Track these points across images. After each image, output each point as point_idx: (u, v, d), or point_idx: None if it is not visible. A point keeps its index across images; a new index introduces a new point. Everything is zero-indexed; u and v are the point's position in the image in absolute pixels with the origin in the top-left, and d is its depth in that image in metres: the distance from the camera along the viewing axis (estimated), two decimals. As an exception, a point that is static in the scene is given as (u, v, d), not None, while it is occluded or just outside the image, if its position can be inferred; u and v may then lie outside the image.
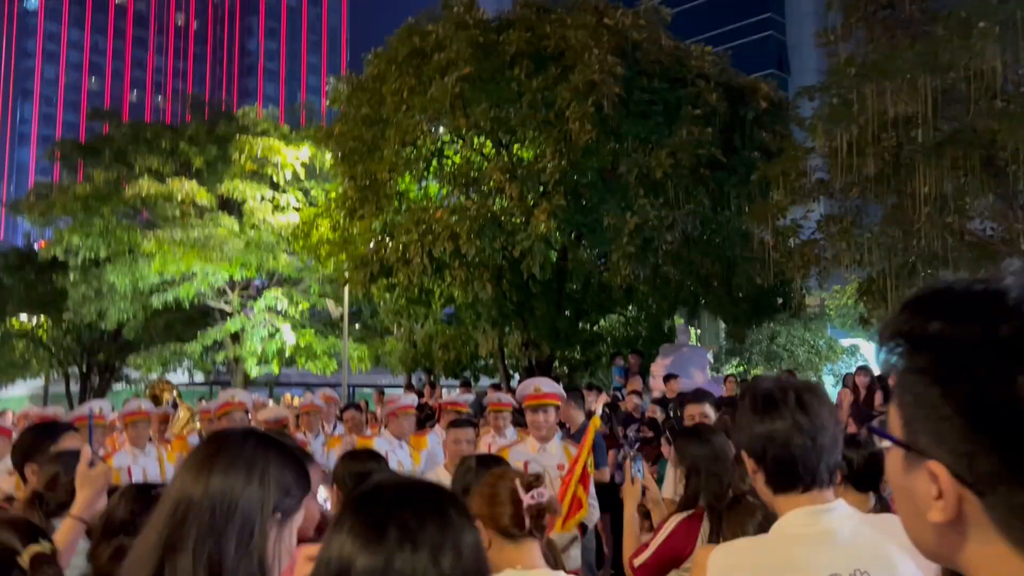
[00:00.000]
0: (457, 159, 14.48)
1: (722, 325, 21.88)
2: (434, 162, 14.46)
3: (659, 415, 10.08)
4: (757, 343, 27.93)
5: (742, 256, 13.63)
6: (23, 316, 29.00)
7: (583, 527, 4.92)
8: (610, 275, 13.23)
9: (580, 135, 12.33)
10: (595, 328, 16.99)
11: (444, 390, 19.69)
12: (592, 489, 4.88)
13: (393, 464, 6.87)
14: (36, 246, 29.39)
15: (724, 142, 13.31)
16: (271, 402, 14.12)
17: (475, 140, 14.38)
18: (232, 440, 1.50)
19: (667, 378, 12.09)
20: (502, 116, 13.48)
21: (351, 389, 25.71)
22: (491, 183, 13.30)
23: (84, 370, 31.08)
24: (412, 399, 7.60)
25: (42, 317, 28.73)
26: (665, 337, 16.42)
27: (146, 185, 21.40)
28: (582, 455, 4.79)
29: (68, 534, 2.69)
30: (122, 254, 22.48)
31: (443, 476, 4.84)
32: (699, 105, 13.07)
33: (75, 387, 31.65)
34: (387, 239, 14.40)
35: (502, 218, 13.24)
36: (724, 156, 13.02)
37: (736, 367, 28.57)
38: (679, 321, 18.11)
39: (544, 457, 5.01)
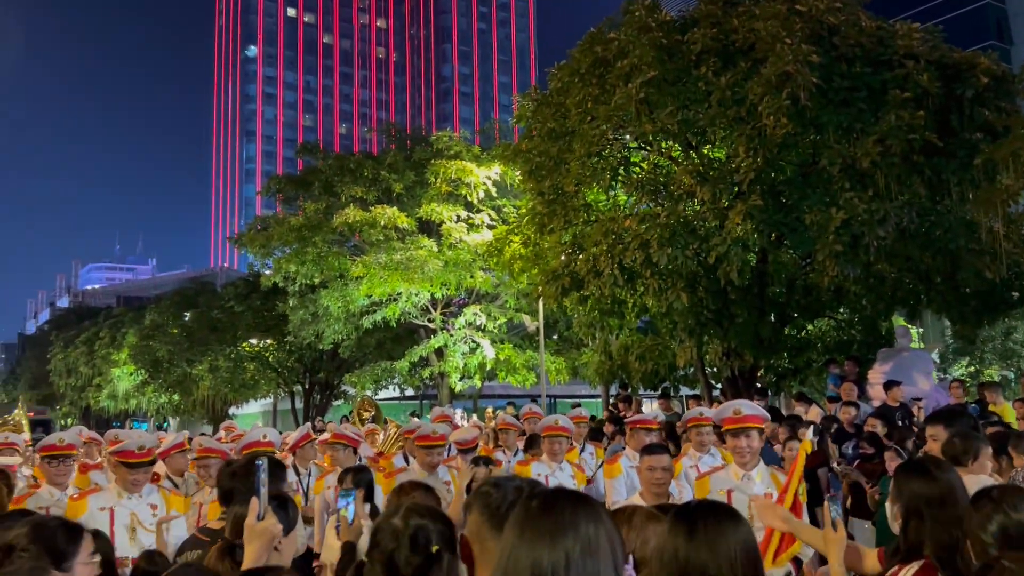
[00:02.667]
0: (644, 166, 14.11)
1: (947, 323, 19.99)
2: (621, 171, 14.16)
3: (880, 429, 9.22)
4: (990, 340, 25.35)
5: (967, 248, 12.28)
6: (252, 340, 31.56)
7: (797, 562, 4.48)
8: (816, 276, 12.35)
9: (775, 130, 11.60)
10: (803, 334, 15.97)
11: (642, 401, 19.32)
12: (805, 518, 4.43)
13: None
14: (260, 275, 31.97)
15: (939, 125, 12.06)
16: (465, 417, 14.34)
17: (662, 144, 13.96)
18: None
19: (888, 385, 11.09)
20: (689, 117, 12.97)
21: (550, 401, 25.86)
22: (681, 187, 12.83)
23: (307, 388, 33.40)
24: (559, 419, 7.29)
25: (268, 340, 31.13)
26: (882, 340, 15.16)
27: (352, 213, 22.65)
28: (792, 483, 4.37)
29: None
30: (334, 279, 23.94)
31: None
32: (908, 87, 11.92)
33: (299, 404, 34.07)
34: (577, 251, 14.26)
35: (694, 223, 12.72)
36: (940, 140, 11.78)
37: (965, 367, 26.05)
38: (898, 322, 16.66)
39: (748, 485, 4.62)
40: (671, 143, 13.81)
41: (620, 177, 14.03)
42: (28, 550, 2.56)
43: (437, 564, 1.86)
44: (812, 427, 8.12)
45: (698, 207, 12.79)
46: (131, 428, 33.43)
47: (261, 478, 2.43)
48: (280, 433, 8.19)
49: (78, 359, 43.98)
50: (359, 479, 5.09)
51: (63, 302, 79.95)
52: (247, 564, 2.49)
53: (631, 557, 2.16)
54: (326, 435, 9.83)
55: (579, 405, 13.63)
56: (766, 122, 11.74)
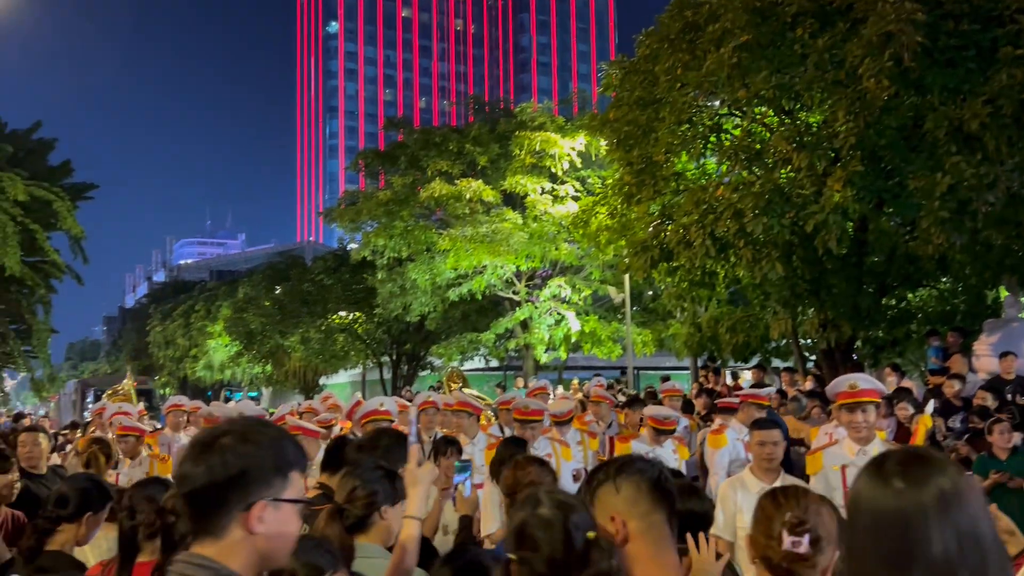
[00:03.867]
0: (737, 132, 13.77)
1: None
2: (712, 138, 13.86)
3: (990, 402, 8.87)
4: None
5: (1084, 213, 11.65)
6: (342, 312, 32.29)
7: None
8: (919, 244, 11.86)
9: (877, 93, 11.13)
10: (903, 304, 15.45)
11: (728, 373, 19.02)
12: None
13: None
14: (349, 249, 32.63)
15: (1055, 83, 11.41)
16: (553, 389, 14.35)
17: (756, 110, 13.58)
18: None
19: (1003, 354, 10.62)
20: (785, 82, 12.56)
21: (636, 372, 25.73)
22: (776, 154, 12.47)
23: (395, 359, 34.04)
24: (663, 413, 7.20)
25: (357, 313, 31.79)
26: (988, 311, 14.55)
27: (438, 187, 22.83)
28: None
29: (411, 534, 2.77)
30: (421, 252, 24.24)
31: (749, 481, 4.49)
32: (1021, 44, 11.30)
33: (387, 375, 34.77)
34: (666, 222, 14.06)
35: (790, 191, 12.37)
36: (1057, 99, 11.15)
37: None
38: (1005, 293, 15.96)
39: (864, 461, 4.50)
40: (765, 108, 13.43)
41: (711, 145, 13.74)
42: (181, 514, 2.68)
43: (596, 548, 1.85)
44: (931, 402, 7.82)
45: (794, 174, 12.42)
46: (225, 398, 34.69)
47: (414, 430, 2.52)
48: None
49: (175, 331, 45.78)
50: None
51: (159, 276, 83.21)
52: (411, 510, 2.58)
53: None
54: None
55: (668, 378, 13.53)
56: (867, 85, 11.28)
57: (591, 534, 1.82)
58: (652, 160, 13.97)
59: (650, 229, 14.09)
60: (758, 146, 13.06)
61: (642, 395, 13.87)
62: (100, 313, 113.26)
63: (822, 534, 2.16)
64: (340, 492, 3.07)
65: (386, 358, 34.43)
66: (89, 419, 11.50)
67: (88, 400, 30.56)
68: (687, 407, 11.78)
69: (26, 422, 15.27)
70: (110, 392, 14.55)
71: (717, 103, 13.81)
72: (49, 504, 3.32)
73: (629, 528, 1.89)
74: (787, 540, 2.11)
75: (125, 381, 15.86)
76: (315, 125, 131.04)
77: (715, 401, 7.50)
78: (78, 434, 11.29)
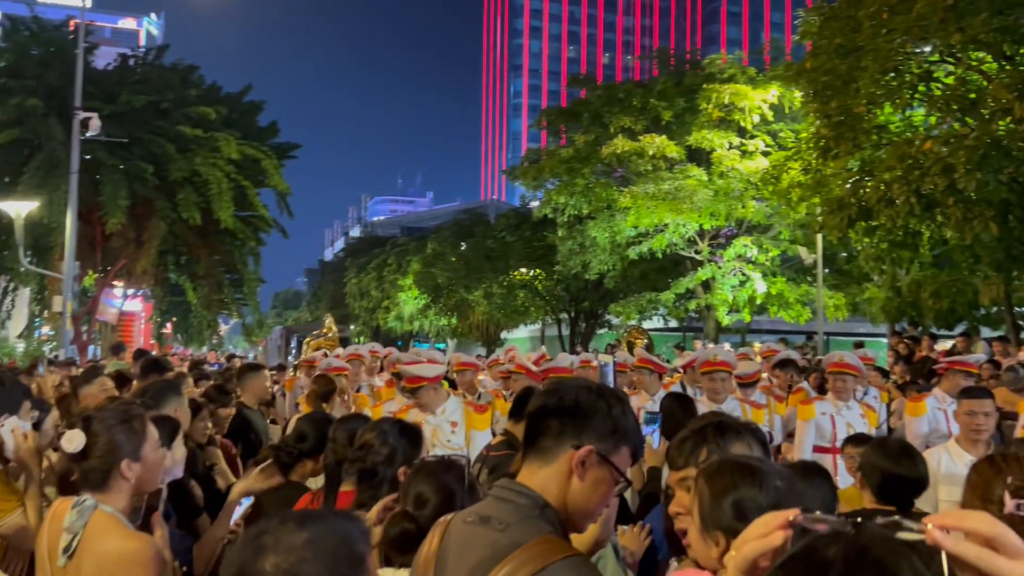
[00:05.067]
0: (949, 81, 12.69)
1: None
2: (920, 87, 12.84)
3: None
4: None
5: None
6: (523, 269, 32.89)
7: None
8: None
9: (1119, 32, 9.93)
10: None
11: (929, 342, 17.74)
12: None
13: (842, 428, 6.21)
14: (530, 206, 33.07)
15: None
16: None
17: (972, 56, 12.45)
18: None
19: None
20: (1008, 24, 11.42)
21: (826, 338, 24.55)
22: (994, 104, 11.40)
23: (573, 316, 34.36)
24: (844, 356, 6.80)
25: (537, 269, 32.26)
26: None
27: (620, 143, 22.57)
28: None
29: None
30: (601, 210, 24.15)
31: (955, 452, 4.21)
32: None
33: (565, 331, 35.18)
34: (866, 178, 13.23)
35: (1008, 144, 11.29)
36: None
37: None
38: None
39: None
40: (983, 54, 12.29)
41: (919, 95, 12.75)
42: (380, 450, 2.88)
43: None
44: None
45: (1014, 126, 11.33)
46: (413, 347, 36.30)
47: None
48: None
49: (369, 283, 48.34)
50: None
51: (355, 232, 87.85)
52: None
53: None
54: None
55: (862, 345, 12.84)
56: (1108, 23, 10.07)
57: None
58: (852, 112, 13.15)
59: (848, 186, 13.34)
60: (973, 95, 12.01)
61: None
62: (302, 265, 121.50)
63: None
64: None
65: (564, 315, 34.80)
66: (296, 363, 12.47)
67: (292, 345, 33.00)
68: (882, 376, 11.14)
69: (236, 363, 16.73)
70: (315, 334, 15.62)
71: (927, 49, 12.76)
72: (291, 441, 3.64)
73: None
74: (1010, 504, 1.98)
75: (328, 322, 16.98)
76: (500, 85, 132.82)
77: (932, 366, 7.03)
78: (287, 375, 12.25)
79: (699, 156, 22.78)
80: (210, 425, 4.88)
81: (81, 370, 8.84)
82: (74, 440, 2.46)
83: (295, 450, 3.54)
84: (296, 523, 1.34)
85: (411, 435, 3.04)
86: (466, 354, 9.66)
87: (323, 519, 1.39)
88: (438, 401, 5.48)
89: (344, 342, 18.87)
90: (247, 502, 3.11)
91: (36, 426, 2.78)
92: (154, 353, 14.83)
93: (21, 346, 26.15)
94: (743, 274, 22.66)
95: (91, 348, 25.51)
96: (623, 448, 1.81)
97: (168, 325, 31.20)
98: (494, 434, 5.55)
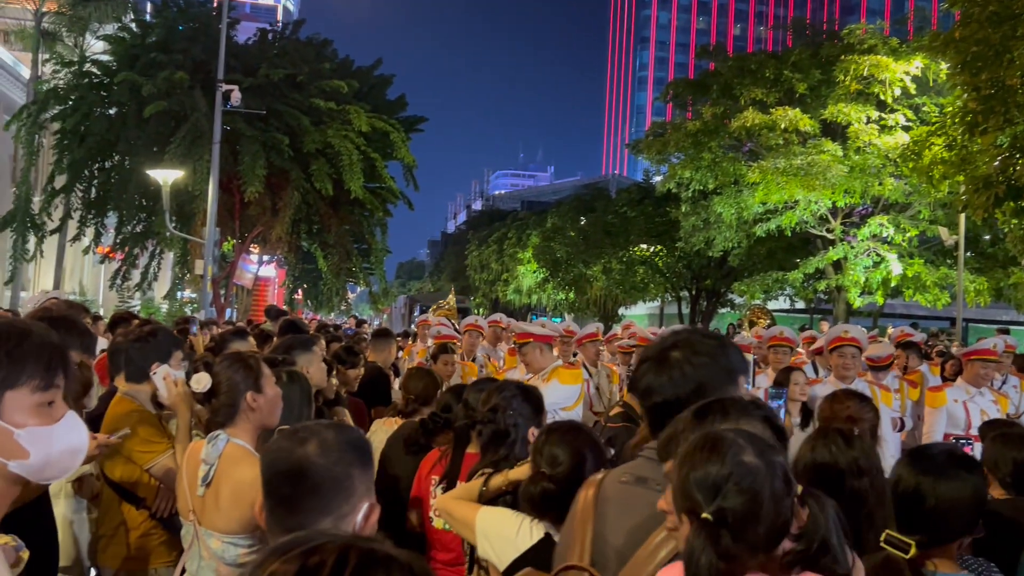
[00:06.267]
0: (1119, 50, 11.70)
1: None
2: (1085, 57, 11.89)
3: None
4: None
5: None
6: (643, 244, 32.54)
7: None
8: None
9: None
10: None
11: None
12: None
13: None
14: (653, 181, 32.59)
15: None
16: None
17: None
18: None
19: None
20: None
21: (965, 325, 23.24)
22: None
23: (693, 294, 33.79)
24: (997, 343, 6.43)
25: (658, 246, 31.85)
26: None
27: (750, 116, 21.87)
28: None
29: None
30: (727, 185, 23.55)
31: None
32: None
33: (685, 309, 34.66)
34: (1017, 155, 12.40)
35: None
36: None
37: None
38: None
39: None
40: None
41: (1083, 65, 11.81)
42: (510, 412, 2.96)
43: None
44: None
45: None
46: (531, 320, 36.62)
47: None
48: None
49: (489, 256, 48.99)
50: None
51: (477, 205, 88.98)
52: None
53: None
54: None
55: (1007, 331, 12.11)
56: None
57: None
58: (1004, 85, 12.32)
59: (996, 163, 12.53)
60: None
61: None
62: (425, 237, 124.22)
63: None
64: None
65: (685, 292, 34.27)
66: (415, 329, 12.81)
67: (416, 314, 33.91)
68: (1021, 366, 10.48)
69: (365, 328, 17.30)
70: (435, 307, 16.00)
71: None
72: (439, 408, 3.84)
73: None
74: None
75: (450, 297, 17.36)
76: (625, 58, 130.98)
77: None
78: (408, 341, 12.59)
79: (834, 130, 21.84)
80: (335, 382, 5.10)
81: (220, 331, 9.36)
82: (202, 381, 2.74)
83: (442, 420, 3.70)
84: (325, 425, 1.84)
85: (533, 398, 3.11)
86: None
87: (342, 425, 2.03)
88: (543, 363, 5.65)
89: (463, 312, 19.24)
90: None
91: (188, 376, 2.99)
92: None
93: (165, 307, 27.88)
94: (877, 255, 21.69)
95: (228, 311, 26.92)
96: (739, 378, 1.95)
97: (299, 291, 32.50)
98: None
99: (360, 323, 20.58)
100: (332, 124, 23.65)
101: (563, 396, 5.40)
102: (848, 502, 2.04)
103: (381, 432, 4.42)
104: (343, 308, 33.12)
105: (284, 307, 23.56)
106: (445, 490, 3.31)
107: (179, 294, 28.79)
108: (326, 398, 4.76)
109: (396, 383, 7.96)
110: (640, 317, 41.27)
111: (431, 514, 3.38)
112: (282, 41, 26.96)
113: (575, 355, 7.71)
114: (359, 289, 38.21)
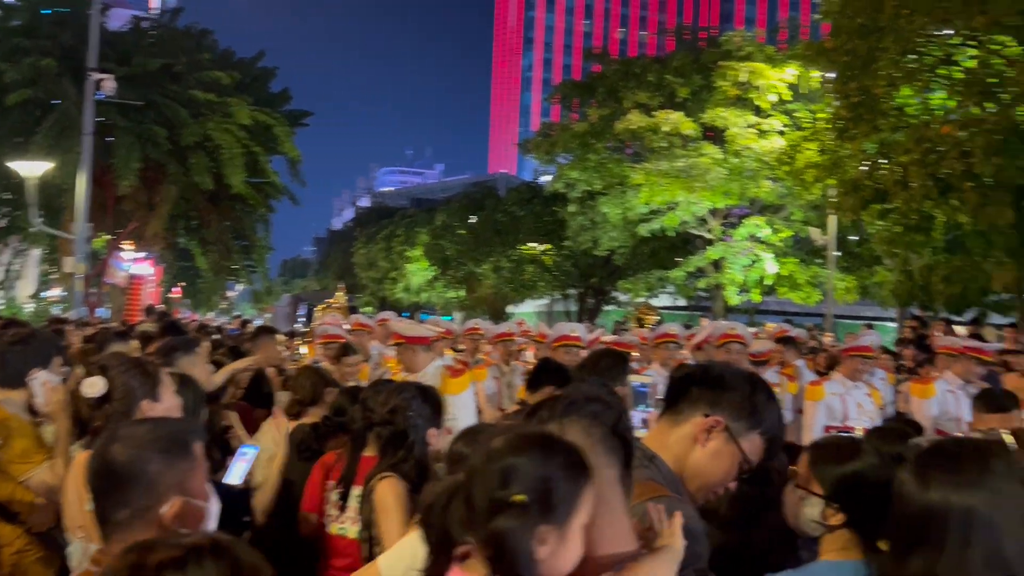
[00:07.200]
0: (971, 64, 12.57)
1: None
2: (941, 70, 12.73)
3: None
4: None
5: None
6: (532, 243, 32.87)
7: None
8: None
9: None
10: None
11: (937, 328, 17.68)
12: None
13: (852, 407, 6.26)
14: (541, 181, 32.98)
15: None
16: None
17: (995, 40, 12.31)
18: None
19: None
20: (1034, 7, 11.29)
21: (834, 320, 24.53)
22: (1015, 89, 11.31)
23: (581, 292, 34.39)
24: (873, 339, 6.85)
25: (547, 244, 32.24)
26: None
27: (635, 119, 22.43)
28: None
29: None
30: (613, 186, 24.07)
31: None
32: None
33: (573, 307, 35.21)
34: (882, 160, 13.17)
35: (1028, 130, 11.22)
36: None
37: None
38: None
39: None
40: (1006, 38, 12.14)
41: (939, 78, 12.64)
42: (410, 413, 2.93)
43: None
44: None
45: (1035, 111, 11.25)
46: (419, 320, 36.42)
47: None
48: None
49: (377, 254, 48.38)
50: None
51: (365, 202, 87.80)
52: None
53: None
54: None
55: (871, 327, 12.82)
56: None
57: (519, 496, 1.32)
58: (871, 93, 13.07)
59: (864, 167, 13.27)
60: (994, 80, 11.89)
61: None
62: (310, 234, 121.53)
63: None
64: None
65: (573, 291, 34.81)
66: (305, 330, 12.57)
67: (300, 313, 33.15)
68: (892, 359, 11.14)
69: (249, 328, 16.78)
70: (323, 306, 15.72)
71: (949, 32, 12.63)
72: (331, 411, 3.73)
73: None
74: None
75: (338, 294, 17.08)
76: (512, 58, 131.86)
77: (938, 348, 7.04)
78: (295, 341, 12.31)
79: (714, 134, 22.66)
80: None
81: (94, 330, 8.89)
82: (96, 385, 2.57)
83: (334, 422, 3.61)
84: (144, 421, 1.95)
85: (433, 400, 3.08)
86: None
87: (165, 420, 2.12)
88: (420, 363, 5.56)
89: (351, 311, 18.97)
90: (252, 452, 3.13)
91: (65, 381, 2.82)
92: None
93: (31, 307, 26.30)
94: (754, 254, 22.61)
95: (100, 310, 25.64)
96: (754, 434, 1.84)
97: (177, 289, 31.30)
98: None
99: (245, 323, 19.97)
100: (212, 117, 22.87)
101: (460, 407, 5.32)
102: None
103: (271, 432, 4.29)
104: (223, 307, 32.02)
105: (161, 306, 22.61)
106: (341, 495, 3.25)
107: (43, 294, 27.25)
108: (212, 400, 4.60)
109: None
110: (529, 315, 41.60)
111: (326, 519, 3.31)
112: (158, 30, 25.86)
113: (475, 353, 7.71)
114: (240, 287, 37.09)
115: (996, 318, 16.44)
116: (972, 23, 11.62)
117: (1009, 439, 3.03)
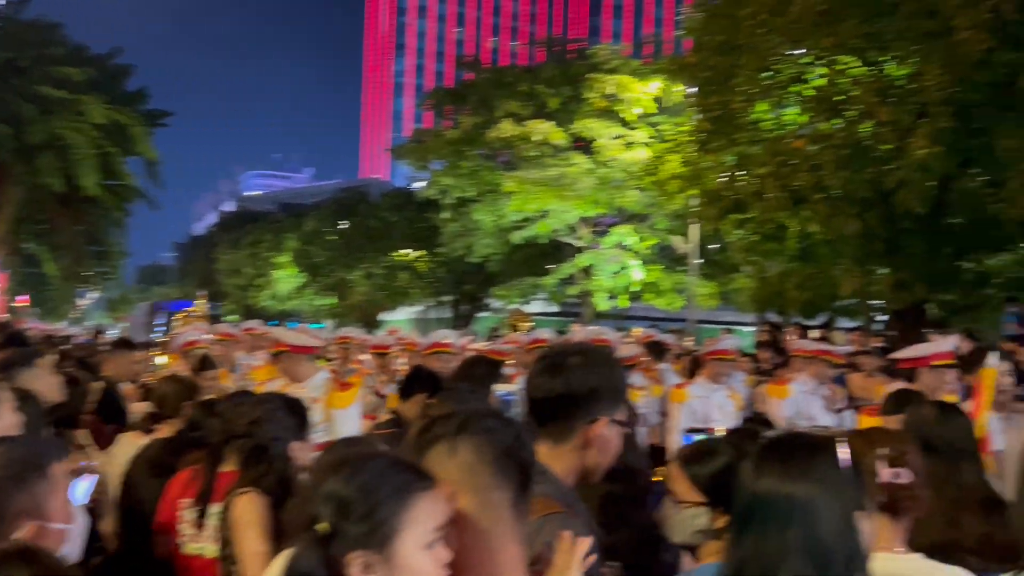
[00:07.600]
0: (820, 83, 13.34)
1: None
2: (793, 88, 13.46)
3: (1071, 373, 8.57)
4: None
5: None
6: (406, 250, 32.63)
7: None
8: (1004, 207, 11.46)
9: (972, 46, 10.65)
10: (979, 268, 14.95)
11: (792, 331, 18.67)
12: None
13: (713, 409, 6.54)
14: (414, 187, 32.79)
15: None
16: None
17: (841, 60, 13.12)
18: None
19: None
20: (874, 31, 12.11)
21: (696, 325, 25.51)
22: (859, 107, 12.08)
23: (455, 299, 34.39)
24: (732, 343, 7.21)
25: (421, 251, 32.08)
26: (1072, 280, 13.96)
27: (506, 128, 22.69)
28: (980, 414, 4.16)
29: None
30: (486, 194, 24.24)
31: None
32: None
33: (447, 314, 35.16)
34: (740, 172, 13.80)
35: (871, 146, 12.01)
36: None
37: None
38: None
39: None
40: (851, 59, 12.96)
41: (792, 94, 13.36)
42: (272, 425, 2.81)
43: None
44: (999, 353, 7.58)
45: (877, 129, 12.04)
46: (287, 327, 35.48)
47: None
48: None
49: (242, 260, 46.74)
50: None
51: (229, 206, 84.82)
52: None
53: None
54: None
55: (730, 331, 13.41)
56: (962, 37, 10.80)
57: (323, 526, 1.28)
58: (729, 108, 13.66)
59: (724, 178, 13.85)
60: (841, 98, 12.66)
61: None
62: (170, 239, 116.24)
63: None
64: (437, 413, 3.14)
65: (447, 297, 34.77)
66: (165, 339, 11.97)
67: (158, 322, 31.65)
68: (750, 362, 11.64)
69: (102, 338, 15.87)
70: (184, 315, 15.06)
71: (801, 51, 13.37)
72: (186, 425, 3.56)
73: (458, 505, 1.42)
74: (886, 473, 2.11)
75: (199, 302, 16.38)
76: (383, 63, 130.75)
77: (792, 351, 7.40)
78: (150, 352, 11.71)
79: (583, 145, 23.17)
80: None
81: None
82: None
83: (189, 437, 3.43)
84: None
85: (298, 411, 2.97)
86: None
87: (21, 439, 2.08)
88: (303, 373, 5.36)
89: (214, 320, 18.27)
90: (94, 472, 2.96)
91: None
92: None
93: None
94: (621, 262, 23.22)
95: (-66, 321, 23.67)
96: (624, 401, 2.00)
97: (23, 298, 29.29)
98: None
99: (98, 332, 18.88)
100: (62, 114, 21.56)
101: (345, 421, 5.15)
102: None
103: (126, 448, 4.05)
104: (75, 316, 30.23)
105: (4, 316, 21.09)
106: (199, 514, 3.08)
107: None
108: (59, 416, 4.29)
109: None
110: (402, 322, 41.25)
111: (182, 539, 3.14)
112: (2, 21, 24.18)
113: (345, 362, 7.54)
114: (94, 295, 35.10)
115: (844, 322, 17.51)
116: (821, 44, 12.32)
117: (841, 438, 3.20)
